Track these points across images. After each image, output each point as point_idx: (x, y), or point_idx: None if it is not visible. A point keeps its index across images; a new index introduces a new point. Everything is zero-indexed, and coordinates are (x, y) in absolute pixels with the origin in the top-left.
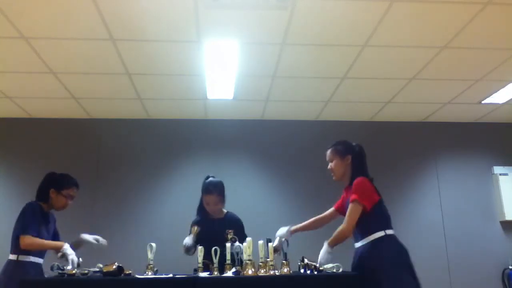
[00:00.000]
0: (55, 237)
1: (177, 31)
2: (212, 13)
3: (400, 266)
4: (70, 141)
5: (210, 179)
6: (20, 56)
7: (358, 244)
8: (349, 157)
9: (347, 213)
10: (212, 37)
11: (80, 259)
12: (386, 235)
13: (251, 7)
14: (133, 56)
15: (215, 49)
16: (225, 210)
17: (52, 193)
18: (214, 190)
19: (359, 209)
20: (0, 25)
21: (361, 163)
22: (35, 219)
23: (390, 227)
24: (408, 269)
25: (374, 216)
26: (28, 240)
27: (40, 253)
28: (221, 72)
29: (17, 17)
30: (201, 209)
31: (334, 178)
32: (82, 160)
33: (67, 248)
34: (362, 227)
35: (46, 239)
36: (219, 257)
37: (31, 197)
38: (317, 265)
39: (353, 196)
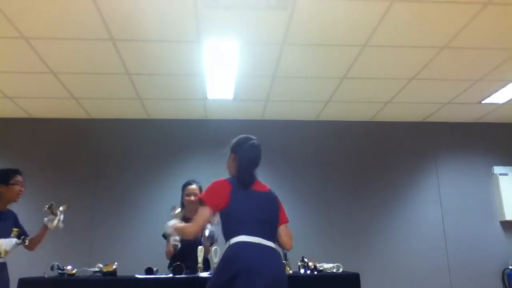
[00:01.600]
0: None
1: (177, 31)
2: (212, 13)
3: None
4: (70, 141)
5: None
6: (20, 56)
7: None
8: (232, 155)
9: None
10: (212, 37)
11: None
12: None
13: (251, 7)
14: (133, 56)
15: (215, 49)
16: None
17: (1, 188)
18: (193, 182)
19: (202, 211)
20: (0, 25)
21: (239, 159)
22: None
23: (234, 235)
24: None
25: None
26: None
27: None
28: (221, 72)
29: (17, 17)
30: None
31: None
32: (82, 160)
33: None
34: None
35: (2, 236)
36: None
37: (31, 196)
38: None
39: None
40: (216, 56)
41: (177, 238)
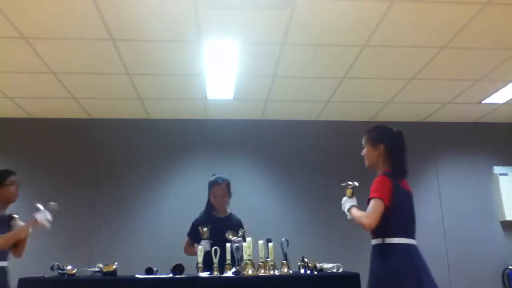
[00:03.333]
0: None
1: (177, 31)
2: (212, 13)
3: (391, 280)
4: (70, 141)
5: (217, 174)
6: (20, 56)
7: (372, 242)
8: (382, 146)
9: (368, 209)
10: (212, 37)
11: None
12: (391, 243)
13: (251, 7)
14: (133, 56)
15: (215, 49)
16: (228, 211)
17: None
18: (222, 181)
19: (379, 205)
20: (0, 25)
21: (395, 153)
22: None
23: (399, 235)
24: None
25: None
26: None
27: (3, 255)
28: (221, 72)
29: (17, 17)
30: (207, 210)
31: (366, 164)
32: (82, 160)
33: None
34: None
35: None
36: (220, 256)
37: (31, 196)
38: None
39: (370, 195)
40: (216, 56)
41: (208, 242)
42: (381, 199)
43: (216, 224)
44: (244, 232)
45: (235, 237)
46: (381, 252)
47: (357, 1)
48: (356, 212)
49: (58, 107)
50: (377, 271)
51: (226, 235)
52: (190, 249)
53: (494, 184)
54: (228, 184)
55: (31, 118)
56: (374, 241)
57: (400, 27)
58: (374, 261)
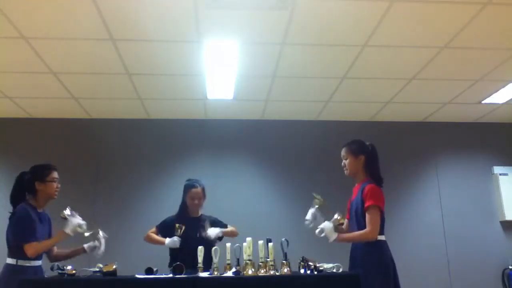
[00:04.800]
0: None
1: (177, 31)
2: (212, 13)
3: (388, 272)
4: (70, 141)
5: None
6: (20, 56)
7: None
8: (362, 157)
9: (369, 219)
10: (212, 37)
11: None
12: (381, 240)
13: (251, 7)
14: (133, 56)
15: (215, 49)
16: (200, 212)
17: (39, 186)
18: (199, 184)
19: (378, 213)
20: (0, 25)
21: (373, 162)
22: (30, 222)
23: (383, 233)
24: (393, 275)
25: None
26: (33, 248)
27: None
28: (221, 72)
29: (17, 17)
30: (182, 210)
31: (346, 173)
32: (82, 160)
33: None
34: (362, 227)
35: (43, 238)
36: (204, 256)
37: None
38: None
39: (370, 202)
40: (216, 56)
41: (177, 240)
42: (379, 206)
43: (189, 223)
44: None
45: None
46: (375, 248)
47: (357, 1)
48: (351, 236)
49: (58, 107)
50: (376, 264)
51: (204, 226)
52: (154, 237)
53: (494, 184)
54: (203, 189)
55: (31, 118)
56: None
57: (400, 27)
58: (368, 254)
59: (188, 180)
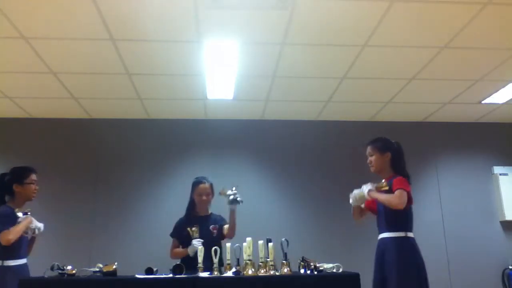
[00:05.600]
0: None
1: (177, 31)
2: (212, 13)
3: (413, 268)
4: (70, 141)
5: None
6: (20, 56)
7: (382, 236)
8: (389, 154)
9: (397, 192)
10: (212, 37)
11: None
12: (410, 237)
13: (251, 7)
14: (133, 56)
15: (215, 49)
16: (209, 210)
17: (17, 187)
18: (207, 181)
19: (406, 193)
20: (0, 25)
21: (400, 160)
22: (7, 219)
23: (411, 230)
24: (420, 272)
25: (406, 215)
26: (5, 235)
27: (22, 253)
28: (221, 72)
29: (17, 17)
30: (190, 209)
31: (372, 170)
32: (82, 160)
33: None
34: (391, 220)
35: (24, 240)
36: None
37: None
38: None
39: (397, 186)
40: (216, 56)
41: (200, 241)
42: (407, 191)
43: (200, 223)
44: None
45: (229, 191)
46: (404, 244)
47: (357, 1)
48: (379, 195)
49: (58, 107)
50: (402, 261)
51: (220, 191)
52: (178, 251)
53: (494, 184)
54: (212, 185)
55: (31, 118)
56: (394, 234)
57: (400, 27)
58: (395, 252)
59: (196, 178)
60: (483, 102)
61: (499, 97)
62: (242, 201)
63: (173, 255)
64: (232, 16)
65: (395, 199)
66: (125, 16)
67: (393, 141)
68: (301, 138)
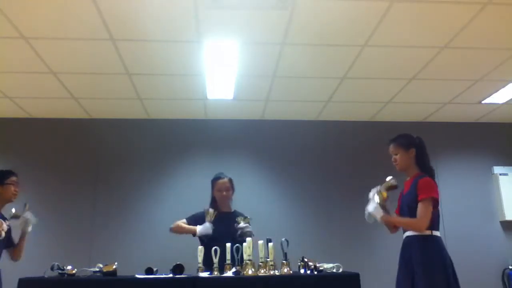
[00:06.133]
0: (9, 241)
1: (177, 31)
2: (212, 13)
3: (439, 268)
4: (70, 141)
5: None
6: (20, 56)
7: (407, 234)
8: (413, 150)
9: (420, 210)
10: (212, 37)
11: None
12: (436, 236)
13: (251, 7)
14: (133, 56)
15: (215, 49)
16: (233, 208)
17: None
18: (224, 175)
19: (431, 206)
20: (0, 25)
21: (423, 155)
22: None
23: (437, 229)
24: (447, 271)
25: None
26: None
27: None
28: (221, 72)
29: (17, 17)
30: (212, 207)
31: (397, 168)
32: (82, 160)
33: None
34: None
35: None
36: (220, 255)
37: (31, 196)
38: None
39: (423, 195)
40: (216, 56)
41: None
42: (433, 198)
43: (221, 218)
44: (248, 222)
45: (242, 223)
46: (429, 243)
47: (357, 1)
48: (398, 219)
49: (58, 107)
50: (428, 260)
51: (237, 220)
52: (184, 226)
53: (494, 184)
54: (231, 180)
55: (31, 118)
56: (419, 233)
57: (400, 27)
58: (420, 251)
59: (215, 174)
60: (483, 102)
61: (499, 97)
62: (253, 235)
63: (176, 228)
64: (232, 16)
65: (417, 224)
66: (125, 16)
67: (414, 136)
68: (301, 138)
